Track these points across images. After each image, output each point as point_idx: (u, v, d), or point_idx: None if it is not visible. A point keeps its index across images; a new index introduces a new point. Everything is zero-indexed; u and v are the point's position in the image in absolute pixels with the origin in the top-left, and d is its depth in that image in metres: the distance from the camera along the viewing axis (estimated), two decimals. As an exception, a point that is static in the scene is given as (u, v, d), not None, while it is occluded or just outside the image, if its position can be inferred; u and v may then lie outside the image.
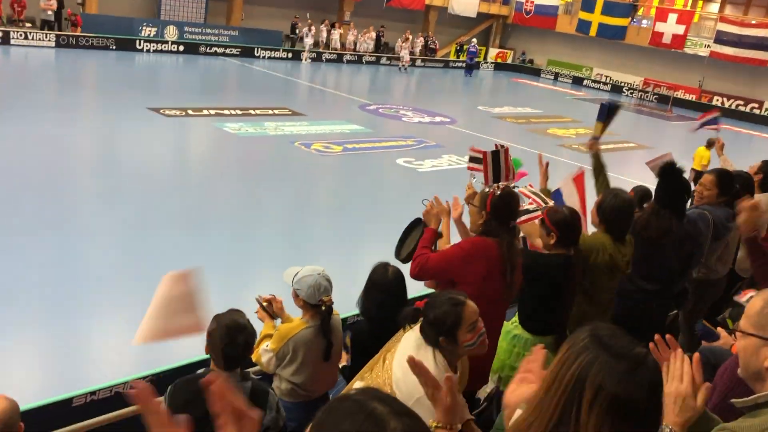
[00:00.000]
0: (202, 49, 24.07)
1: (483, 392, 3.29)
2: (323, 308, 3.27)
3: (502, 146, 3.72)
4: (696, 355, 1.81)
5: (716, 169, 4.84)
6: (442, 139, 15.40)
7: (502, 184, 3.32)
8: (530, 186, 4.02)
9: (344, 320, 4.71)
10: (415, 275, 3.32)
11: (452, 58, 32.59)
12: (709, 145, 12.36)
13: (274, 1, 27.09)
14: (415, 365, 1.70)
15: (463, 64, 30.82)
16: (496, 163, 3.55)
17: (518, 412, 1.64)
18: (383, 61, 29.70)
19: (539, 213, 3.56)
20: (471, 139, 14.24)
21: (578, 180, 4.23)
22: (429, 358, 2.46)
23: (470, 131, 16.69)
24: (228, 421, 1.09)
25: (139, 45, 22.82)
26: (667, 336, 1.84)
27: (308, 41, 26.25)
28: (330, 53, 27.71)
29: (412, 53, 30.71)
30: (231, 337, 2.65)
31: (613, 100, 4.68)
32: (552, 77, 33.33)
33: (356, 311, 4.14)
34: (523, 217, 3.70)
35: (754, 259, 3.31)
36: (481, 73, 32.87)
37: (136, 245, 7.31)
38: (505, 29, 35.08)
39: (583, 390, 1.37)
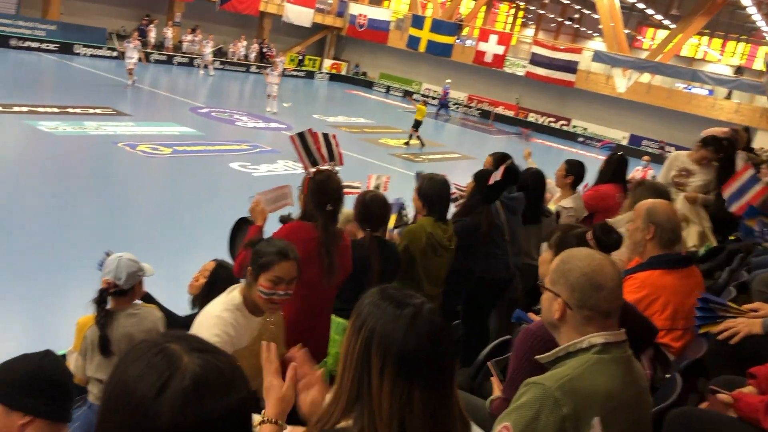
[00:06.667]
0: (13, 42, 21.99)
1: None
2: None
3: (326, 134, 3.74)
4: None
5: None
6: (278, 145, 15.25)
7: (324, 167, 3.35)
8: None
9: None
10: (238, 274, 3.20)
11: (287, 66, 32.46)
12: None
13: (97, -4, 25.46)
14: (266, 349, 1.74)
15: (437, 103, 29.27)
16: (306, 148, 3.58)
17: None
18: (218, 65, 28.95)
19: (357, 190, 3.67)
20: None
21: None
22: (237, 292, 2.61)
23: (305, 138, 16.71)
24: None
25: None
26: None
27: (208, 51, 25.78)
28: (160, 54, 26.52)
29: (246, 58, 30.28)
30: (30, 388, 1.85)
31: None
32: (384, 90, 34.34)
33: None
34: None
35: None
36: (315, 83, 33.11)
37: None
38: (340, 41, 35.62)
39: (371, 357, 1.37)
